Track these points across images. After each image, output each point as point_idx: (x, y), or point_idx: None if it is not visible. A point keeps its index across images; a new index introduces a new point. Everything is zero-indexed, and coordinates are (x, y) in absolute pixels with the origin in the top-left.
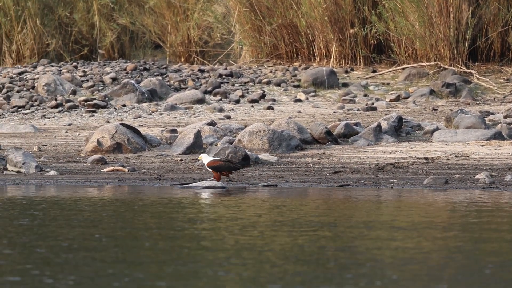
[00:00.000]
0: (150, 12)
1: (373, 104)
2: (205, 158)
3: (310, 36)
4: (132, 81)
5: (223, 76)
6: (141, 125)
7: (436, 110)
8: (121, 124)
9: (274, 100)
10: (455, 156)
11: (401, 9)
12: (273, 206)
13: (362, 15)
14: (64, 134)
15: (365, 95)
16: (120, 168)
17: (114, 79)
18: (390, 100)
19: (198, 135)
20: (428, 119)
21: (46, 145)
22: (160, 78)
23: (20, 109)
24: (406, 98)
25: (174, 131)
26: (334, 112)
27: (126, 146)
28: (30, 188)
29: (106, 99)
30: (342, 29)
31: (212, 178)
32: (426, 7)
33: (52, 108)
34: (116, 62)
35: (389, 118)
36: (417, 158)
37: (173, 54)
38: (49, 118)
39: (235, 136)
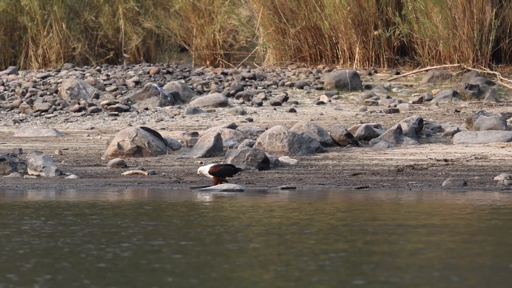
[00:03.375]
0: (175, 15)
1: (395, 106)
2: (204, 168)
3: (333, 38)
4: (155, 85)
5: (246, 79)
6: (163, 129)
7: (458, 111)
8: (141, 127)
9: (296, 103)
10: (475, 157)
11: (425, 10)
12: (334, 209)
13: (385, 17)
14: (86, 137)
15: (388, 97)
16: (140, 171)
17: (137, 83)
18: (413, 102)
19: (218, 138)
20: (450, 121)
21: (67, 148)
22: (183, 81)
23: (43, 113)
24: (429, 100)
25: (195, 134)
26: (357, 115)
27: (146, 150)
28: (63, 192)
29: (129, 102)
30: (365, 31)
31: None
32: (450, 9)
33: (75, 112)
34: (140, 66)
35: (410, 120)
36: (437, 160)
37: (198, 57)
38: (72, 122)
39: (255, 139)
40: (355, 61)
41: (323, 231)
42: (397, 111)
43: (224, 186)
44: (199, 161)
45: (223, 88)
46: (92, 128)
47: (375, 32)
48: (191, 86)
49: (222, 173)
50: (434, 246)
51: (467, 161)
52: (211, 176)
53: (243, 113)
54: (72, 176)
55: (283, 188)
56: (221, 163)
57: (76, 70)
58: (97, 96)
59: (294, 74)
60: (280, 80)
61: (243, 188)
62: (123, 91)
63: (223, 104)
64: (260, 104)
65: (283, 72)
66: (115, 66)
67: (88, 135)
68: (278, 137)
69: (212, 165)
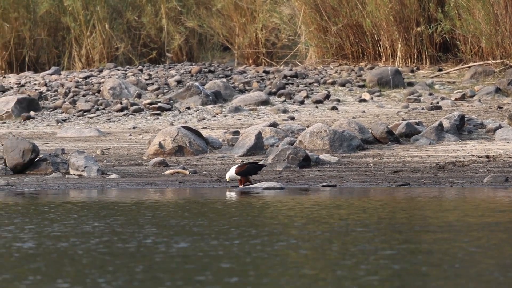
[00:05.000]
0: (217, 14)
1: (438, 103)
2: (230, 172)
3: (375, 35)
4: (197, 84)
5: (288, 77)
6: (205, 127)
7: (501, 108)
8: (182, 126)
9: (338, 101)
10: None
11: (467, 6)
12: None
13: (427, 14)
14: (127, 137)
15: (430, 94)
16: (181, 170)
17: (179, 82)
18: (456, 99)
19: (259, 136)
20: (493, 117)
21: (109, 148)
22: (224, 80)
23: (85, 113)
24: (472, 96)
25: (236, 133)
26: (399, 112)
27: (187, 149)
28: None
29: (171, 101)
30: (407, 28)
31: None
32: (492, 5)
33: (117, 111)
34: (181, 65)
35: (451, 117)
36: (478, 157)
37: (241, 56)
38: (114, 121)
39: (296, 137)
40: (397, 58)
41: (388, 229)
42: (439, 108)
43: (265, 184)
44: (240, 160)
45: (265, 86)
46: (134, 128)
47: (417, 29)
48: (233, 85)
49: (248, 172)
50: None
51: (509, 157)
52: (239, 177)
53: (284, 111)
54: (113, 176)
55: (323, 186)
56: (246, 162)
57: (118, 70)
58: (139, 96)
59: (336, 72)
60: (322, 78)
61: (284, 186)
62: (165, 91)
63: (265, 102)
64: (301, 102)
65: (325, 70)
66: (157, 65)
67: (130, 135)
68: (319, 135)
69: (236, 166)
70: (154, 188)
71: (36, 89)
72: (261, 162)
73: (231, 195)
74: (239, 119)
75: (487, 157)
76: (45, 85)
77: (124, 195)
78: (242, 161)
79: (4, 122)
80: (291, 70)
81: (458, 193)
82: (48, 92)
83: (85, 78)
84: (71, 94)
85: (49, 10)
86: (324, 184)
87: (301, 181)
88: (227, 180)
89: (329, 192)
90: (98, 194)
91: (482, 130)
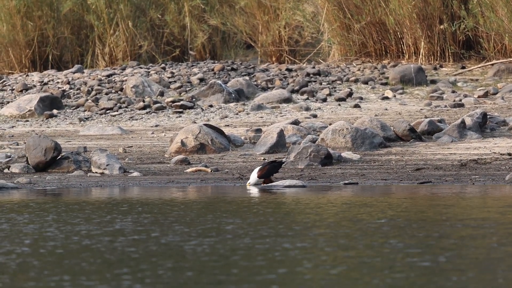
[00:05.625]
0: (241, 12)
1: (460, 100)
2: (252, 178)
3: (398, 33)
4: (219, 82)
5: (311, 75)
6: (228, 125)
7: None
8: (204, 124)
9: (361, 98)
10: None
11: (490, 4)
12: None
13: (450, 11)
14: (150, 135)
15: (453, 92)
16: (203, 168)
17: (201, 80)
18: (478, 96)
19: (281, 134)
20: None
21: (131, 146)
22: (247, 78)
23: (108, 111)
24: (495, 94)
25: (259, 130)
26: (421, 109)
27: (209, 147)
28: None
29: (193, 99)
30: (430, 25)
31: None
32: None
33: (139, 109)
34: (204, 63)
35: (473, 114)
36: (501, 154)
37: (264, 54)
38: (136, 119)
39: (318, 135)
40: (420, 55)
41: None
42: (462, 105)
43: (287, 182)
44: (262, 158)
45: (288, 84)
46: (156, 126)
47: (441, 27)
48: (255, 83)
49: (270, 173)
50: None
51: None
52: (262, 180)
53: (307, 109)
54: (135, 174)
55: (345, 184)
56: (265, 163)
57: (141, 68)
58: (161, 94)
59: (359, 70)
60: (344, 76)
61: (306, 184)
62: (187, 89)
63: (287, 100)
64: (324, 100)
65: (348, 67)
66: (180, 63)
67: (152, 133)
68: (341, 133)
69: (256, 170)
70: (176, 186)
71: (59, 88)
72: (281, 160)
73: (257, 193)
74: (261, 117)
75: (510, 154)
76: (68, 83)
77: (162, 193)
78: (264, 159)
79: (27, 120)
80: (313, 68)
81: (482, 190)
82: (71, 90)
83: (108, 76)
84: (94, 92)
85: (72, 9)
86: (346, 181)
87: (323, 178)
88: (248, 187)
89: (351, 189)
90: (133, 192)
91: (505, 127)
